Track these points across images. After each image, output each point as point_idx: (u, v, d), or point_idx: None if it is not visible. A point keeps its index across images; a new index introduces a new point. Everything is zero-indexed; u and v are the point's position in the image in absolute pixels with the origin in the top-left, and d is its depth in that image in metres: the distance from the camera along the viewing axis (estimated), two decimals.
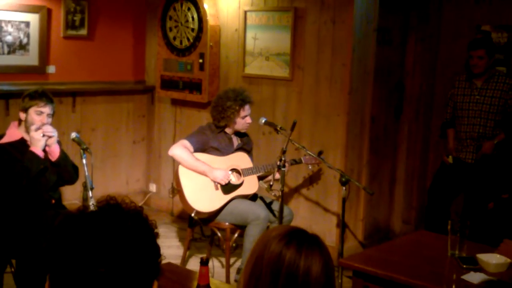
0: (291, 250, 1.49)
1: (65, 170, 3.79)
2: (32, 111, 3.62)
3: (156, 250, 1.28)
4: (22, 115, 3.65)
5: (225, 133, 4.45)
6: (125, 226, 1.23)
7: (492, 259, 2.93)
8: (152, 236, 1.27)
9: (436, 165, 5.57)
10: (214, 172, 4.27)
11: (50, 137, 3.65)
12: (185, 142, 4.35)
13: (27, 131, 3.66)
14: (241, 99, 4.35)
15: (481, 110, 4.77)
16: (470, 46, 4.80)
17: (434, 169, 5.59)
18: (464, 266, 2.92)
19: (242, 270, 4.00)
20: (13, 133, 3.68)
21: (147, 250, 1.24)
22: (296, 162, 4.48)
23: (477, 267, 2.91)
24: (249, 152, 4.54)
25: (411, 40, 5.49)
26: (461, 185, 4.95)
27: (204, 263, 2.42)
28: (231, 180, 4.34)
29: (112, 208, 1.26)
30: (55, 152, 3.73)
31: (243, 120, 4.39)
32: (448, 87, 5.28)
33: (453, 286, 2.77)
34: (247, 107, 4.39)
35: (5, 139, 3.65)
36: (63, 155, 3.78)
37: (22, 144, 3.66)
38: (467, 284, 2.74)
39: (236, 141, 4.50)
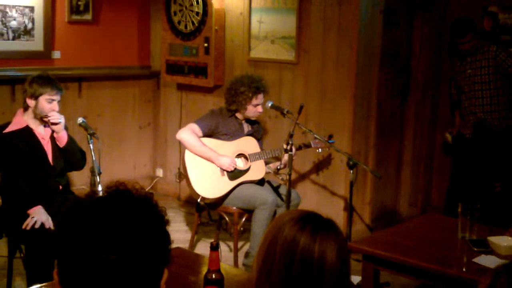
0: (305, 235, 1.47)
1: (73, 156, 3.79)
2: (42, 99, 3.59)
3: (166, 237, 1.26)
4: (31, 102, 3.62)
5: (236, 118, 4.43)
6: (135, 212, 1.21)
7: (503, 242, 2.92)
8: (162, 222, 1.26)
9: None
10: (220, 159, 4.26)
11: (57, 123, 3.64)
12: (194, 126, 4.34)
13: (36, 117, 3.65)
14: (255, 87, 4.32)
15: (473, 82, 4.79)
16: (457, 34, 4.74)
17: (441, 152, 5.59)
18: (475, 249, 2.91)
19: (255, 254, 4.03)
20: (19, 121, 3.67)
21: (157, 237, 1.22)
22: (306, 146, 4.47)
23: (488, 249, 2.90)
24: (259, 140, 4.52)
25: (417, 22, 5.44)
26: (464, 161, 4.94)
27: (214, 248, 2.42)
28: (237, 165, 4.33)
29: (122, 193, 1.24)
30: (63, 138, 3.72)
31: (254, 108, 4.36)
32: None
33: (464, 269, 2.77)
34: (260, 96, 4.36)
35: (11, 127, 3.64)
36: (71, 140, 3.78)
37: (26, 132, 3.65)
38: (479, 267, 2.73)
39: (246, 127, 4.49)
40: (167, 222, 1.27)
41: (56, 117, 3.62)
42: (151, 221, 1.22)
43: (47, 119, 3.61)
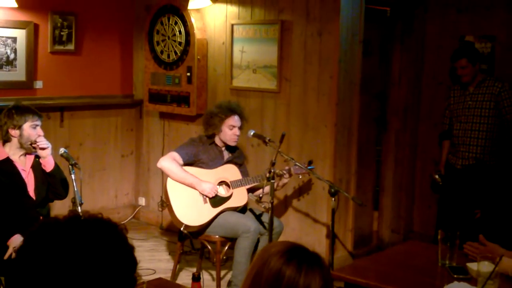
0: (291, 268, 1.47)
1: (58, 182, 3.81)
2: (27, 126, 3.67)
3: (131, 260, 1.25)
4: (15, 132, 3.66)
5: (216, 145, 4.46)
6: (96, 235, 1.20)
7: (482, 268, 2.93)
8: (126, 246, 1.25)
9: (424, 173, 5.62)
10: (202, 185, 4.28)
11: (45, 148, 3.69)
12: (174, 154, 4.36)
13: (22, 146, 3.68)
14: (228, 108, 4.42)
15: (473, 115, 4.80)
16: (452, 58, 4.86)
17: (421, 178, 5.65)
18: (455, 275, 2.94)
19: (238, 283, 3.99)
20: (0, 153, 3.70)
21: (121, 261, 1.22)
22: (278, 176, 4.44)
23: (468, 276, 2.92)
24: (240, 165, 4.54)
25: (396, 51, 5.55)
26: (453, 191, 4.97)
27: (196, 279, 2.43)
28: (219, 192, 4.35)
29: (82, 219, 1.24)
30: (50, 163, 3.77)
31: (230, 131, 4.39)
32: (433, 96, 5.34)
33: None
34: (235, 117, 4.40)
35: None
36: (57, 166, 3.82)
37: (7, 164, 3.67)
38: None
39: (226, 154, 4.51)
40: (132, 248, 1.26)
41: (44, 142, 3.69)
42: (114, 244, 1.22)
43: (36, 144, 3.66)
